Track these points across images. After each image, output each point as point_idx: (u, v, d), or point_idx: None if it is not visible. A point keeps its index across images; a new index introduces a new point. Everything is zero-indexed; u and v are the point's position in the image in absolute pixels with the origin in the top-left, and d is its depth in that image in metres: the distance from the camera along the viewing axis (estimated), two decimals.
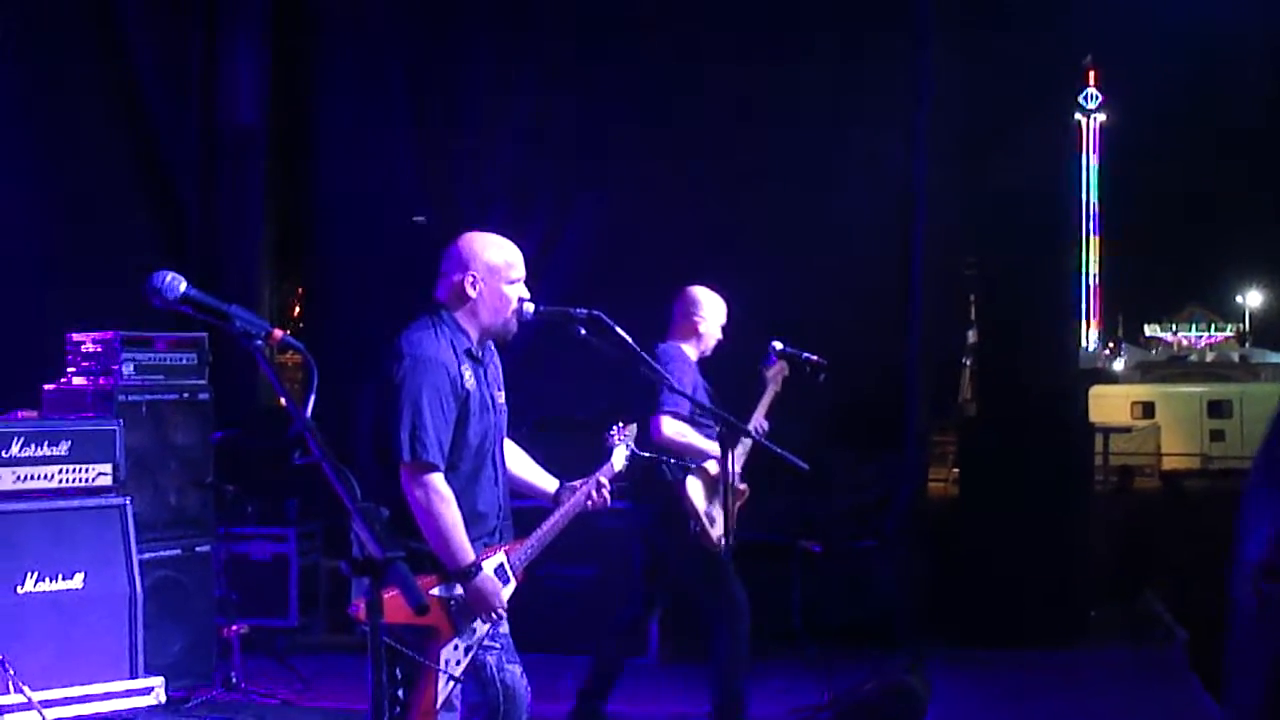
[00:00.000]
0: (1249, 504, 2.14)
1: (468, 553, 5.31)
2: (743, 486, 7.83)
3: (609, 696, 8.10)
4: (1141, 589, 11.16)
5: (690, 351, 7.97)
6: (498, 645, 5.53)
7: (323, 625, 10.94)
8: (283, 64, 12.34)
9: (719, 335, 8.11)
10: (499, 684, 5.53)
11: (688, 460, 7.69)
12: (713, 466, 7.76)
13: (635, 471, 7.03)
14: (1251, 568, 1.98)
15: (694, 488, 7.73)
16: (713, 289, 8.15)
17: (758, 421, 8.11)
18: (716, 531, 7.70)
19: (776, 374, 8.31)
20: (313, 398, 3.66)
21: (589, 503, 5.86)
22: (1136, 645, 10.44)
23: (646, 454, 6.57)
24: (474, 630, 5.42)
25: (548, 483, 5.97)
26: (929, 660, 9.12)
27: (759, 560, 8.49)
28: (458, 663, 5.38)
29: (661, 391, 7.54)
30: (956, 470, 12.92)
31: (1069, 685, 9.79)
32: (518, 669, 5.61)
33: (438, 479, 5.30)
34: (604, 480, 5.93)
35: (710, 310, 8.07)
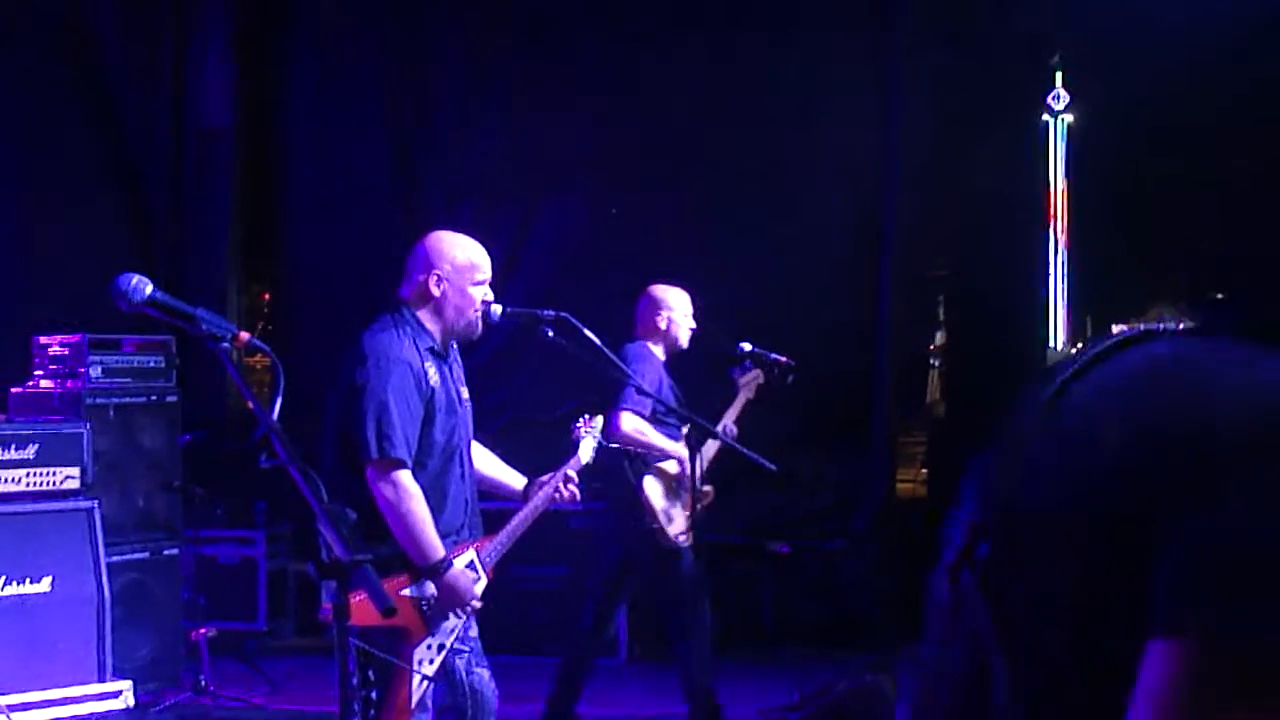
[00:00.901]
0: (957, 501, 2.06)
1: (438, 549, 5.31)
2: (707, 488, 7.83)
3: (579, 699, 8.09)
4: None
5: (657, 350, 7.97)
6: (466, 649, 5.53)
7: (291, 628, 10.91)
8: (252, 65, 12.32)
9: (689, 328, 8.08)
10: (468, 687, 5.54)
11: (648, 458, 7.70)
12: (672, 466, 7.78)
13: (603, 471, 7.06)
14: (952, 558, 1.90)
15: (651, 486, 7.75)
16: (678, 285, 8.14)
17: (727, 425, 8.13)
18: (674, 529, 7.71)
19: (750, 381, 8.33)
20: (279, 400, 3.65)
21: (557, 496, 5.86)
22: None
23: (614, 445, 6.58)
24: (446, 629, 5.43)
25: (515, 479, 5.98)
26: (898, 660, 9.13)
27: (728, 561, 8.51)
28: (430, 662, 5.39)
29: (624, 389, 7.53)
30: (925, 470, 12.95)
31: None
32: (486, 673, 5.61)
33: (405, 476, 5.30)
34: (572, 474, 5.94)
35: (674, 306, 8.06)
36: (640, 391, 7.33)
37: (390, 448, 5.29)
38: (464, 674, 5.52)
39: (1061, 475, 1.78)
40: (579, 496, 5.97)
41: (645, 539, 7.72)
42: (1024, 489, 1.83)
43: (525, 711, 8.05)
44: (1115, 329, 2.19)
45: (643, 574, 7.94)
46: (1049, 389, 1.92)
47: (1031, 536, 1.84)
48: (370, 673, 5.12)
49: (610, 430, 7.46)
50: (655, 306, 8.04)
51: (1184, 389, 1.60)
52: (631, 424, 7.66)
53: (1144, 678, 1.80)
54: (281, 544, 10.92)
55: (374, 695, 5.13)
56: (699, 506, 7.50)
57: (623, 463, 7.59)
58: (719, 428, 7.89)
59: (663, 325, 8.00)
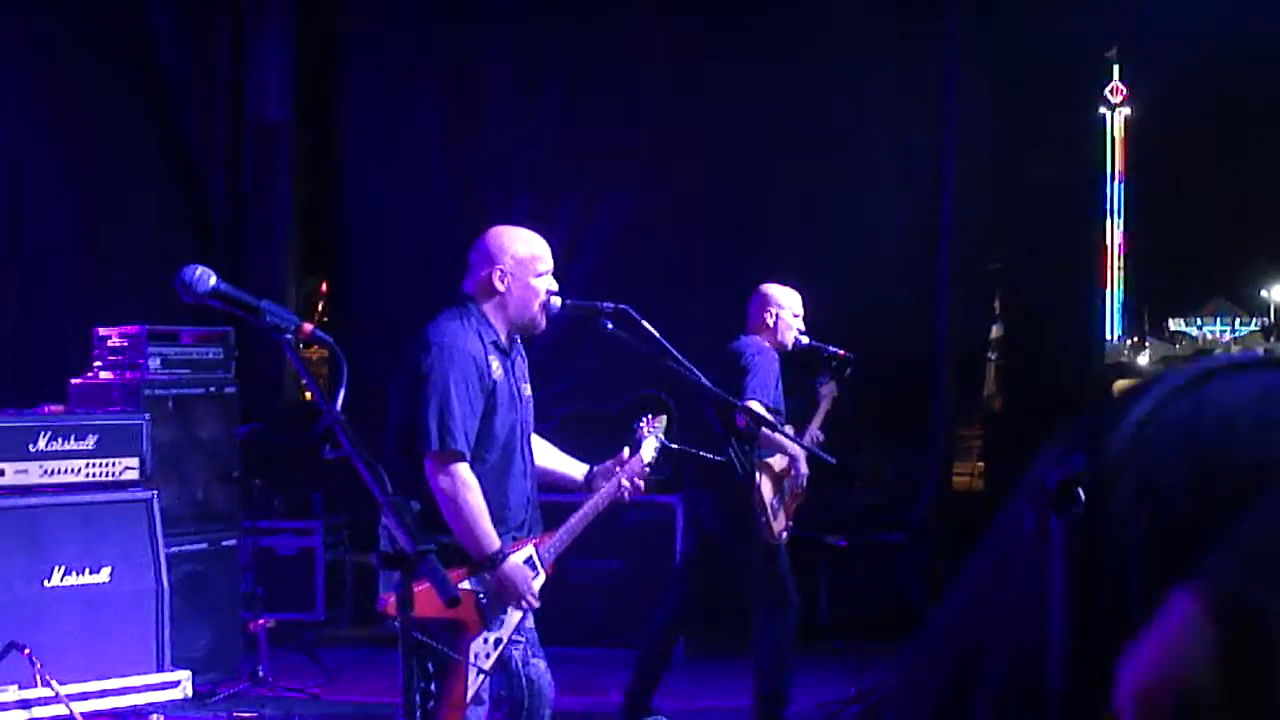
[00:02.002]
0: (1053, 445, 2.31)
1: (493, 540, 5.32)
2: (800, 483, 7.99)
3: (655, 692, 8.14)
4: None
5: (769, 344, 8.04)
6: (523, 639, 5.54)
7: (348, 619, 10.94)
8: (310, 60, 12.36)
9: (798, 329, 8.17)
10: (524, 678, 5.54)
11: (762, 451, 7.76)
12: (778, 462, 7.86)
13: (692, 461, 7.12)
14: (1044, 496, 2.11)
15: (764, 480, 7.82)
16: (766, 286, 8.20)
17: (813, 433, 8.27)
18: (778, 525, 7.82)
19: (829, 392, 8.48)
20: (342, 391, 3.66)
21: (621, 492, 5.86)
22: None
23: (676, 446, 6.58)
24: (503, 622, 5.43)
25: (576, 469, 5.98)
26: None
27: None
28: (487, 656, 5.39)
29: (748, 378, 7.62)
30: (982, 464, 12.90)
31: None
32: (542, 664, 5.62)
33: (463, 468, 5.31)
34: (633, 464, 5.92)
35: (784, 305, 8.14)
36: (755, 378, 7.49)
37: (450, 439, 5.30)
38: (520, 665, 5.53)
39: (1180, 460, 2.04)
40: (642, 489, 5.97)
41: (753, 532, 7.76)
42: (1137, 461, 2.07)
43: (582, 702, 8.07)
44: (1172, 321, 2.27)
45: (741, 567, 7.96)
46: (1180, 380, 2.15)
47: (1132, 502, 2.06)
48: (428, 665, 5.14)
49: (736, 419, 7.48)
50: (765, 304, 8.12)
51: None
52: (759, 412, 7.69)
53: (1159, 617, 1.96)
54: (339, 534, 10.96)
55: (432, 687, 5.15)
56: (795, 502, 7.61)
57: (732, 455, 7.62)
58: (806, 437, 8.04)
59: (770, 322, 8.08)
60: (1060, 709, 2.10)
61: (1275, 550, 1.97)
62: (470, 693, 5.34)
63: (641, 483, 5.93)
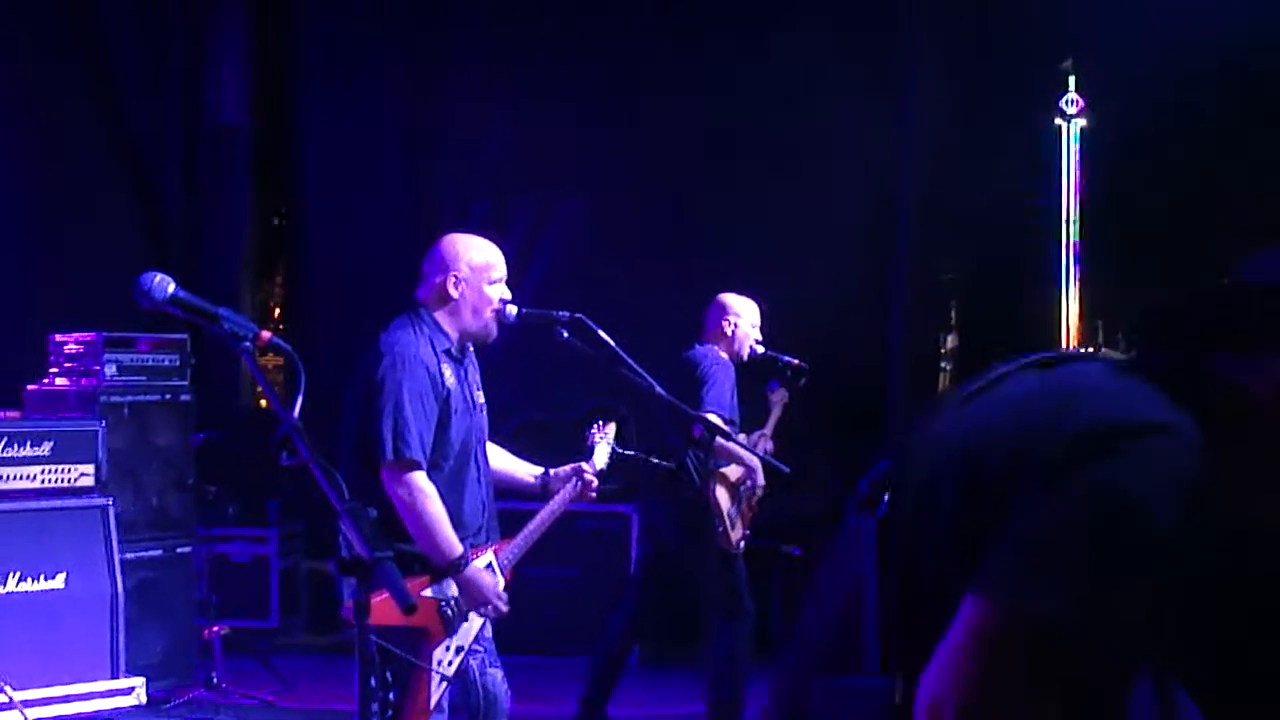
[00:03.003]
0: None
1: (455, 546, 5.34)
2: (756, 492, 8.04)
3: (610, 700, 8.16)
4: None
5: (724, 354, 8.07)
6: (480, 649, 5.55)
7: (303, 626, 10.93)
8: (266, 63, 12.34)
9: (755, 338, 8.21)
10: (480, 688, 5.56)
11: (719, 461, 7.79)
12: (734, 471, 7.89)
13: (651, 472, 7.16)
14: (859, 501, 2.46)
15: (719, 489, 7.85)
16: (724, 295, 8.25)
17: (764, 442, 8.32)
18: (735, 534, 7.85)
19: (780, 399, 8.51)
20: (300, 399, 3.67)
21: (577, 495, 5.88)
22: None
23: (629, 452, 6.61)
24: (465, 630, 5.45)
25: (531, 474, 6.00)
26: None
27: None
28: (449, 663, 5.41)
29: (704, 388, 7.65)
30: None
31: None
32: (499, 673, 5.63)
33: (420, 476, 5.32)
34: (586, 468, 5.95)
35: (741, 315, 8.18)
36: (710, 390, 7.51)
37: (405, 448, 5.31)
38: (477, 674, 5.54)
39: (958, 451, 2.30)
40: (594, 496, 6.00)
41: (709, 541, 7.79)
42: (925, 464, 2.35)
43: (537, 711, 8.07)
44: (1124, 353, 2.38)
45: (697, 575, 7.99)
46: (974, 386, 2.39)
47: (923, 496, 2.32)
48: (388, 673, 5.15)
49: (693, 431, 7.53)
50: (723, 313, 8.16)
51: (1066, 405, 2.20)
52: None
53: (954, 624, 2.15)
54: (294, 542, 10.95)
55: (392, 696, 5.16)
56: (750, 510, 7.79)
57: (689, 464, 7.67)
58: (757, 444, 8.07)
59: (728, 332, 8.12)
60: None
61: (1042, 554, 2.13)
62: (433, 700, 5.36)
63: (594, 487, 5.95)
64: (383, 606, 3.69)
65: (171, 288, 3.80)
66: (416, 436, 5.34)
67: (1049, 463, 2.18)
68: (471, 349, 5.74)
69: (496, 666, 5.62)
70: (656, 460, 7.40)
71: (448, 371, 5.51)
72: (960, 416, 2.39)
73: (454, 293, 5.57)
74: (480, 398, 5.74)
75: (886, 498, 2.42)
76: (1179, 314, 2.40)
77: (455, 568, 5.34)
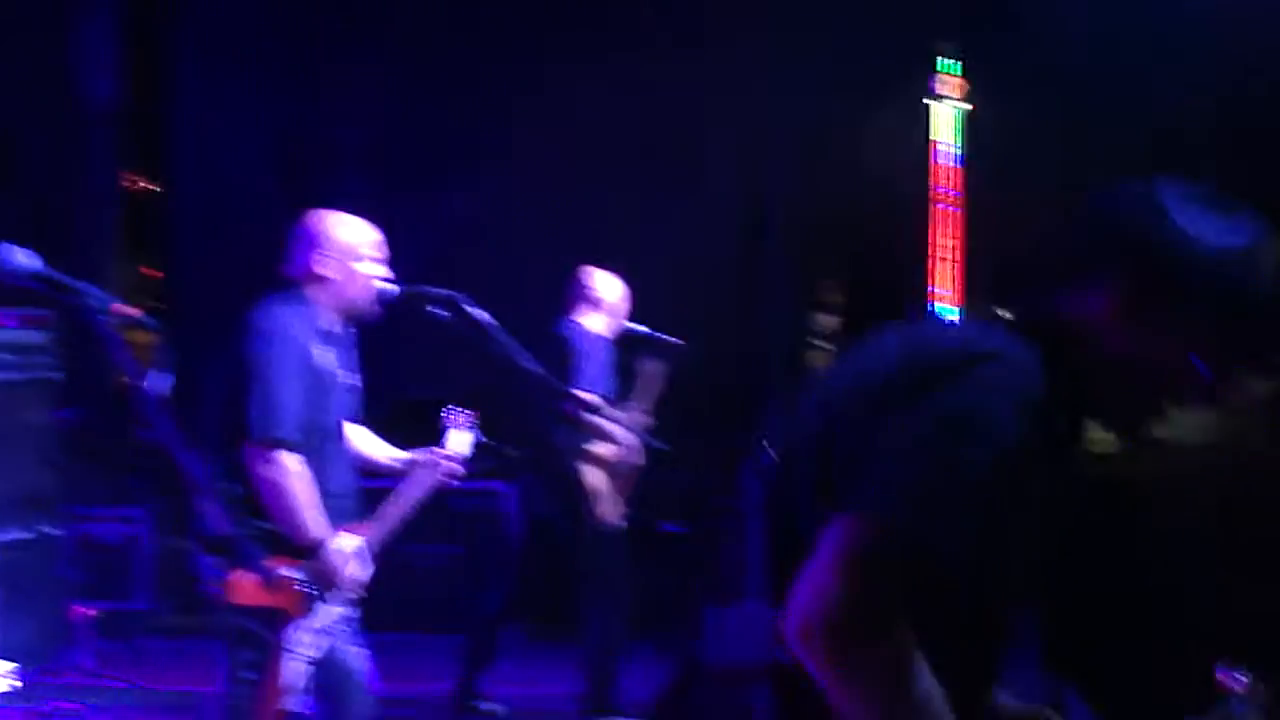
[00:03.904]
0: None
1: (318, 527, 5.29)
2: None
3: (486, 678, 8.15)
4: None
5: (594, 328, 8.07)
6: (341, 628, 5.51)
7: (174, 607, 10.81)
8: (138, 39, 12.17)
9: (619, 315, 8.22)
10: (340, 668, 5.51)
11: (592, 438, 7.79)
12: (606, 448, 7.88)
13: (528, 449, 7.14)
14: (751, 463, 2.80)
15: (594, 467, 7.84)
16: (591, 271, 8.24)
17: (639, 417, 8.34)
18: (612, 511, 7.85)
19: (652, 372, 8.51)
20: (164, 375, 3.61)
21: (442, 477, 5.85)
22: None
23: (489, 441, 6.58)
24: (327, 611, 5.40)
25: (397, 457, 5.96)
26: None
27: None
28: (310, 643, 5.36)
29: (577, 365, 7.65)
30: None
31: None
32: (360, 652, 5.59)
33: (288, 456, 5.27)
34: (449, 453, 5.91)
35: (609, 292, 8.18)
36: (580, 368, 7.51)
37: (276, 427, 5.26)
38: (336, 653, 5.49)
39: (830, 393, 2.64)
40: (459, 477, 5.95)
41: (584, 519, 7.79)
42: (805, 409, 2.63)
43: (414, 689, 8.04)
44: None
45: (573, 554, 7.99)
46: (850, 351, 2.72)
47: (797, 447, 2.59)
48: (249, 653, 5.10)
49: (566, 408, 7.52)
50: (591, 291, 8.15)
51: (924, 344, 2.55)
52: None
53: (819, 547, 2.34)
54: (165, 522, 10.82)
55: (252, 676, 5.11)
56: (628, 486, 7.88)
57: (563, 442, 7.66)
58: (633, 419, 8.08)
59: (598, 309, 8.11)
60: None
61: (898, 472, 2.37)
62: (293, 680, 5.31)
63: (458, 471, 5.91)
64: (245, 585, 3.65)
65: (33, 263, 3.73)
66: (287, 415, 5.28)
67: (902, 395, 2.45)
68: (348, 328, 5.68)
69: (358, 645, 5.58)
70: (515, 452, 7.39)
71: (320, 350, 5.45)
72: (830, 373, 2.79)
73: (325, 271, 5.52)
74: (351, 378, 5.69)
75: (769, 453, 2.66)
76: (1024, 263, 2.73)
77: (316, 549, 5.29)
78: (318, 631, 5.37)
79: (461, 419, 6.17)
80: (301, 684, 5.36)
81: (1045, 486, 2.47)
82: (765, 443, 2.69)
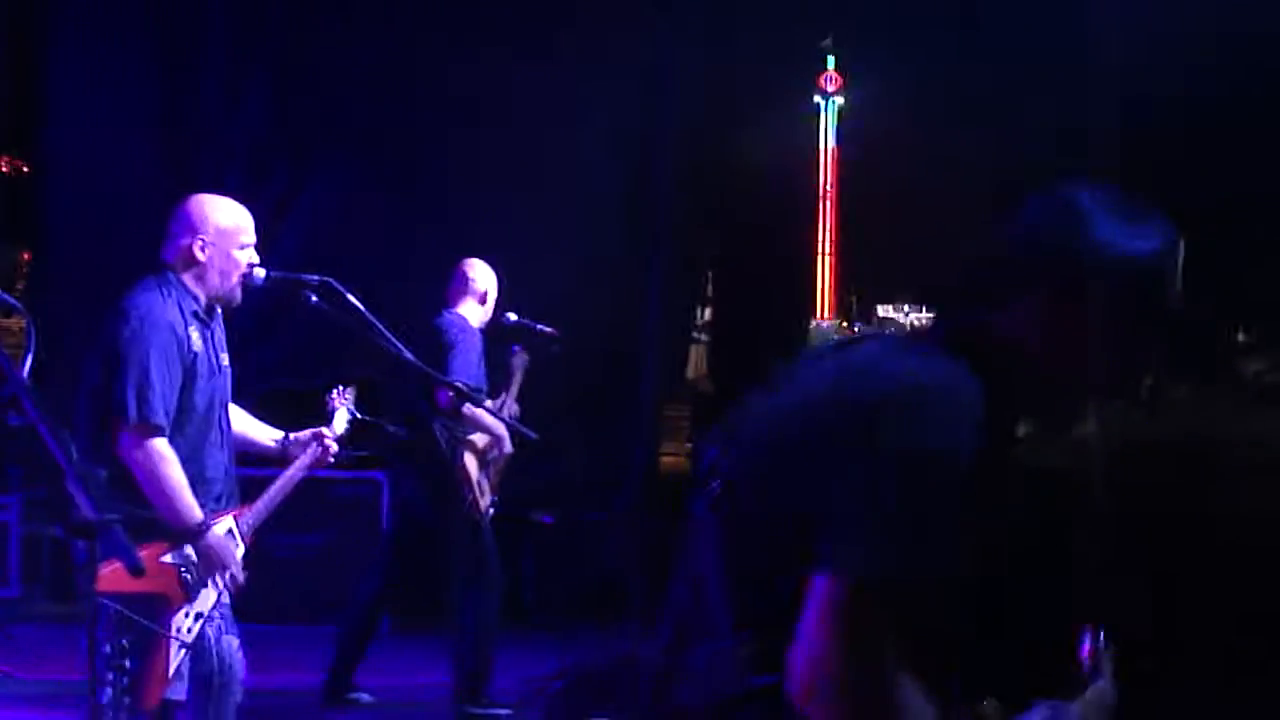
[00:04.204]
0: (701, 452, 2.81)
1: (194, 512, 5.26)
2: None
3: (357, 668, 8.12)
4: None
5: (472, 320, 8.06)
6: (217, 615, 5.48)
7: (45, 594, 10.69)
8: (12, 17, 11.99)
9: (491, 304, 8.23)
10: (215, 655, 5.48)
11: (466, 429, 7.78)
12: (480, 439, 7.88)
13: (399, 440, 7.12)
14: (694, 490, 2.70)
15: (468, 456, 7.84)
16: (472, 262, 8.23)
17: (509, 406, 8.31)
18: (484, 501, 7.85)
19: (521, 363, 8.52)
20: (30, 358, 3.57)
21: (317, 461, 5.83)
22: None
23: (367, 417, 6.57)
24: (206, 597, 5.37)
25: (271, 435, 5.93)
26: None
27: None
28: (189, 630, 5.33)
29: (451, 355, 7.63)
30: (689, 444, 13.08)
31: None
32: (235, 641, 5.56)
33: (161, 441, 5.23)
34: (327, 433, 5.90)
35: (485, 281, 8.17)
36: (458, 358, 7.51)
37: (149, 412, 5.22)
38: (212, 641, 5.46)
39: (776, 430, 2.57)
40: (332, 457, 5.94)
41: (457, 508, 7.78)
42: (749, 441, 2.60)
43: (285, 680, 8.00)
44: (880, 308, 2.63)
45: (446, 543, 7.98)
46: (784, 374, 2.66)
47: (747, 474, 2.56)
48: (125, 640, 5.05)
49: (440, 400, 7.52)
50: (467, 279, 8.14)
51: (861, 379, 2.49)
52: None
53: (808, 607, 2.35)
54: (36, 509, 10.68)
55: (129, 664, 5.07)
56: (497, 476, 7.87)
57: (436, 431, 7.64)
58: (504, 411, 8.07)
59: (473, 299, 8.10)
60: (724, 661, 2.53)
61: (868, 520, 2.38)
62: (172, 667, 5.27)
63: (333, 450, 5.90)
64: (119, 572, 3.61)
65: None
66: (160, 400, 5.24)
67: (854, 435, 2.43)
68: (219, 311, 5.65)
69: (232, 634, 5.55)
70: (393, 428, 7.37)
71: (194, 334, 5.42)
72: (767, 407, 2.66)
73: (200, 255, 5.48)
74: (225, 361, 5.66)
75: (716, 484, 2.63)
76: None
77: (194, 533, 5.26)
78: (196, 618, 5.34)
79: (344, 397, 6.18)
80: (181, 670, 5.33)
81: (995, 494, 2.52)
82: (708, 478, 2.67)
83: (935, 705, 2.41)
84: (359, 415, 6.29)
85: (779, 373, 2.70)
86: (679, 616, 2.72)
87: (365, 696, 8.26)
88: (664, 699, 2.64)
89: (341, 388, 6.26)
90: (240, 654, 5.57)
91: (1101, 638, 2.85)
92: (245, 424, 5.92)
